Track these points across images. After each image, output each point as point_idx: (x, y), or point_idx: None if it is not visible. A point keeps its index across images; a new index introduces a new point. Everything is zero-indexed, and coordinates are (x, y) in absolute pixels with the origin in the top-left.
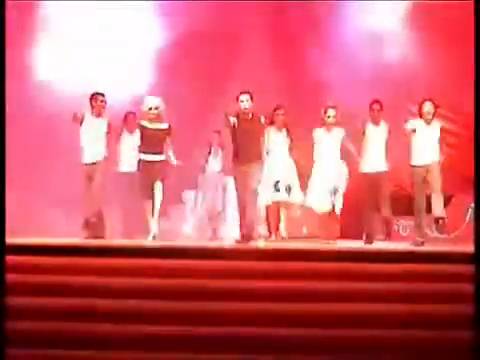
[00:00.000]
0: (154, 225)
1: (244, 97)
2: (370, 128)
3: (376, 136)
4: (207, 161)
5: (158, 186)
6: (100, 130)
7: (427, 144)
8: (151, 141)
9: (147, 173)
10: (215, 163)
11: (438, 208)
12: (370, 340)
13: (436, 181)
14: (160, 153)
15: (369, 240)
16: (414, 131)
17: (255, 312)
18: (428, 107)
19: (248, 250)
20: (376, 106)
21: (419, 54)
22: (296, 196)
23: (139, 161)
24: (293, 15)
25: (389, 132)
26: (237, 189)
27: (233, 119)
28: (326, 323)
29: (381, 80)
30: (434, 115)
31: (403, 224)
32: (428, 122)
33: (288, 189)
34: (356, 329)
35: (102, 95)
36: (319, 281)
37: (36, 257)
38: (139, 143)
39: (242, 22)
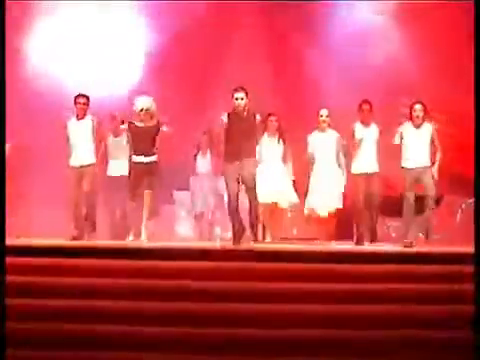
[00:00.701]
0: (143, 231)
1: (239, 94)
2: (360, 129)
3: (366, 137)
4: (195, 162)
5: (147, 194)
6: (85, 132)
7: (417, 147)
8: (142, 141)
9: (138, 175)
10: (203, 164)
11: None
12: (369, 341)
13: (430, 189)
14: (151, 154)
15: (360, 242)
16: (402, 138)
17: (246, 313)
18: (417, 110)
19: (240, 251)
20: (365, 106)
21: (411, 55)
22: (291, 198)
23: (131, 163)
24: (284, 16)
25: (380, 133)
26: (228, 189)
27: (225, 117)
28: (324, 324)
29: (372, 81)
30: (424, 118)
31: (393, 225)
32: (418, 125)
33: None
34: (354, 330)
35: (82, 96)
36: (317, 282)
37: (35, 258)
38: (130, 144)
39: (233, 23)
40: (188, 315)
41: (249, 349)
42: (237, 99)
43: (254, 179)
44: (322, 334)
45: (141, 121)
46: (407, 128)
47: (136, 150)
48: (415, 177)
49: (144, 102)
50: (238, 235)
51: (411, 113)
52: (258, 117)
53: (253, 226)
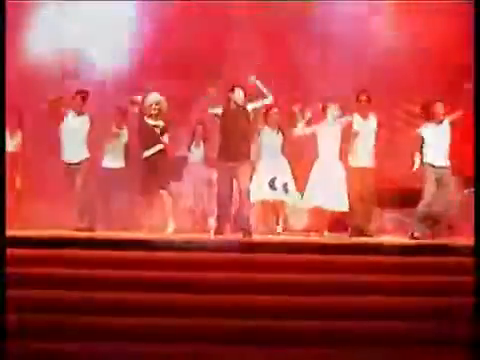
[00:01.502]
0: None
1: (237, 91)
2: (358, 121)
3: (364, 129)
4: (189, 151)
5: (165, 194)
6: (81, 128)
7: (440, 144)
8: (148, 137)
9: (149, 168)
10: (197, 154)
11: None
12: (369, 332)
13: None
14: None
15: (354, 234)
16: (422, 138)
17: (237, 304)
18: (439, 107)
19: (231, 242)
20: (363, 97)
21: (410, 52)
22: (293, 195)
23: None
24: (282, 14)
25: (378, 126)
26: (220, 188)
27: (218, 111)
28: (324, 315)
29: (372, 78)
30: (445, 115)
31: (388, 217)
32: (439, 122)
33: (285, 187)
34: (355, 321)
35: (81, 92)
36: (314, 274)
37: (36, 250)
38: (141, 138)
39: (231, 17)
40: (189, 306)
41: (248, 340)
42: (235, 95)
43: (249, 181)
44: (320, 325)
45: (150, 117)
46: (428, 127)
47: (142, 146)
48: (438, 173)
49: (156, 96)
50: (220, 228)
51: (433, 111)
52: (252, 115)
53: (243, 223)
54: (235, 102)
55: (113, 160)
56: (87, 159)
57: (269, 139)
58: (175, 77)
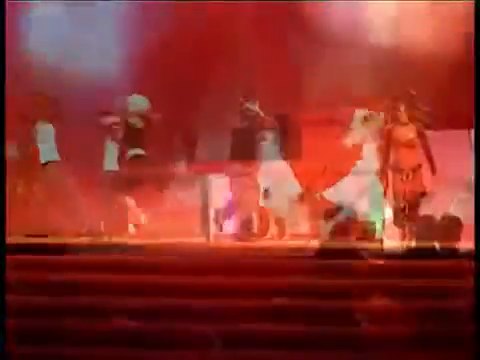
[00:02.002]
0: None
1: (256, 102)
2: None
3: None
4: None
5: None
6: (47, 128)
7: None
8: (133, 137)
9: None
10: (182, 156)
11: None
12: (371, 336)
13: None
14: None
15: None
16: None
17: (236, 308)
18: None
19: (230, 247)
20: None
21: (411, 50)
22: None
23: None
24: (284, 15)
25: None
26: (233, 188)
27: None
28: (324, 319)
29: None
30: None
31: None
32: None
33: (266, 192)
34: (356, 325)
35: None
36: (319, 278)
37: (36, 256)
38: (124, 140)
39: (231, 22)
40: (188, 311)
41: (248, 344)
42: (251, 105)
43: (258, 183)
44: (321, 329)
45: (133, 118)
46: None
47: (130, 146)
48: None
49: (136, 100)
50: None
51: None
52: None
53: (244, 227)
54: (250, 110)
55: (109, 163)
56: (57, 160)
57: (271, 143)
58: (170, 79)
